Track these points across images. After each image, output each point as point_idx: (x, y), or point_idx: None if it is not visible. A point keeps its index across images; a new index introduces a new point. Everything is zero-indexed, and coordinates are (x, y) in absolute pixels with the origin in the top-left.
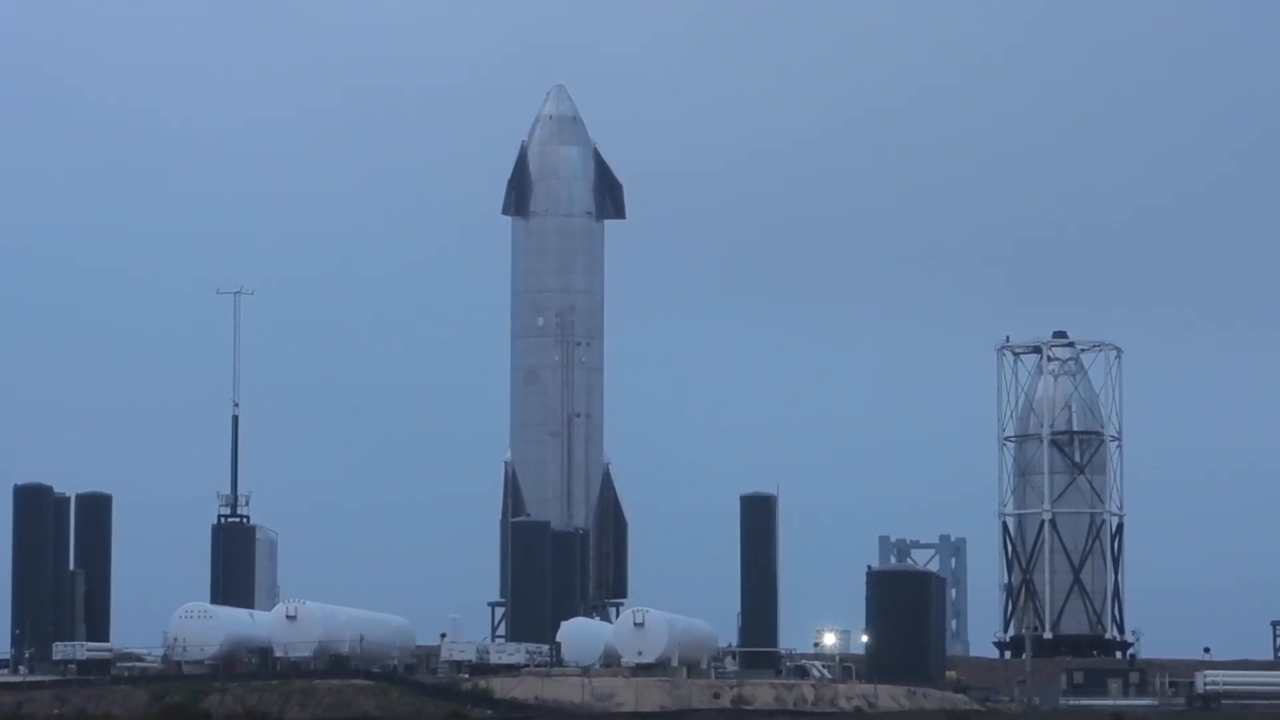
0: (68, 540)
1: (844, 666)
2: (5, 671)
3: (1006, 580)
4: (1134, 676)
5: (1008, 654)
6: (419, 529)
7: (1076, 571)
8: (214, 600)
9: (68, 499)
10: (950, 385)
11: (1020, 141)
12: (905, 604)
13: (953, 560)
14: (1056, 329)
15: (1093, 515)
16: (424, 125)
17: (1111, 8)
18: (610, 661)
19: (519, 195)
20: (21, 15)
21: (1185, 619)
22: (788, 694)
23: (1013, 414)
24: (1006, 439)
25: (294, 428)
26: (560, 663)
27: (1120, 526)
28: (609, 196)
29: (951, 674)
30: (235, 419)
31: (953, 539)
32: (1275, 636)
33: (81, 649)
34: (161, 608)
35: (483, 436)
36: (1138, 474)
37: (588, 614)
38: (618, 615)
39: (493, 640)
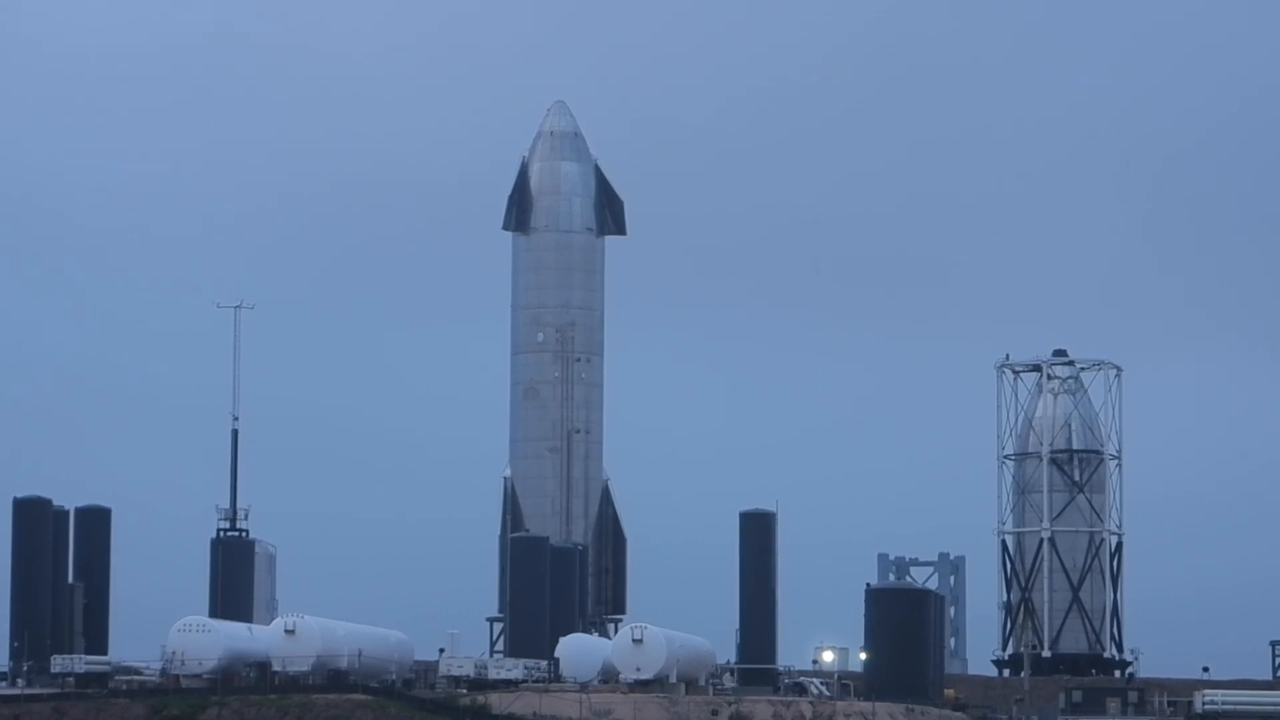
0: (67, 553)
1: (842, 684)
2: (3, 684)
3: (1005, 598)
4: (1133, 696)
5: (1006, 672)
6: (418, 543)
7: (1075, 590)
8: (212, 614)
9: (67, 512)
10: (950, 403)
11: (1021, 156)
12: (904, 621)
13: (951, 578)
14: (1056, 347)
15: (1092, 534)
16: (424, 140)
17: (1117, 18)
18: (608, 677)
19: (519, 211)
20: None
21: (1184, 638)
22: (786, 711)
23: (1012, 432)
24: (1006, 457)
25: (293, 442)
26: (558, 678)
27: (1119, 545)
28: (609, 212)
29: (950, 692)
30: (235, 433)
31: (952, 557)
32: (1274, 656)
33: (80, 662)
34: (160, 621)
35: (482, 452)
36: (1137, 493)
37: (586, 630)
38: (616, 631)
39: (491, 655)
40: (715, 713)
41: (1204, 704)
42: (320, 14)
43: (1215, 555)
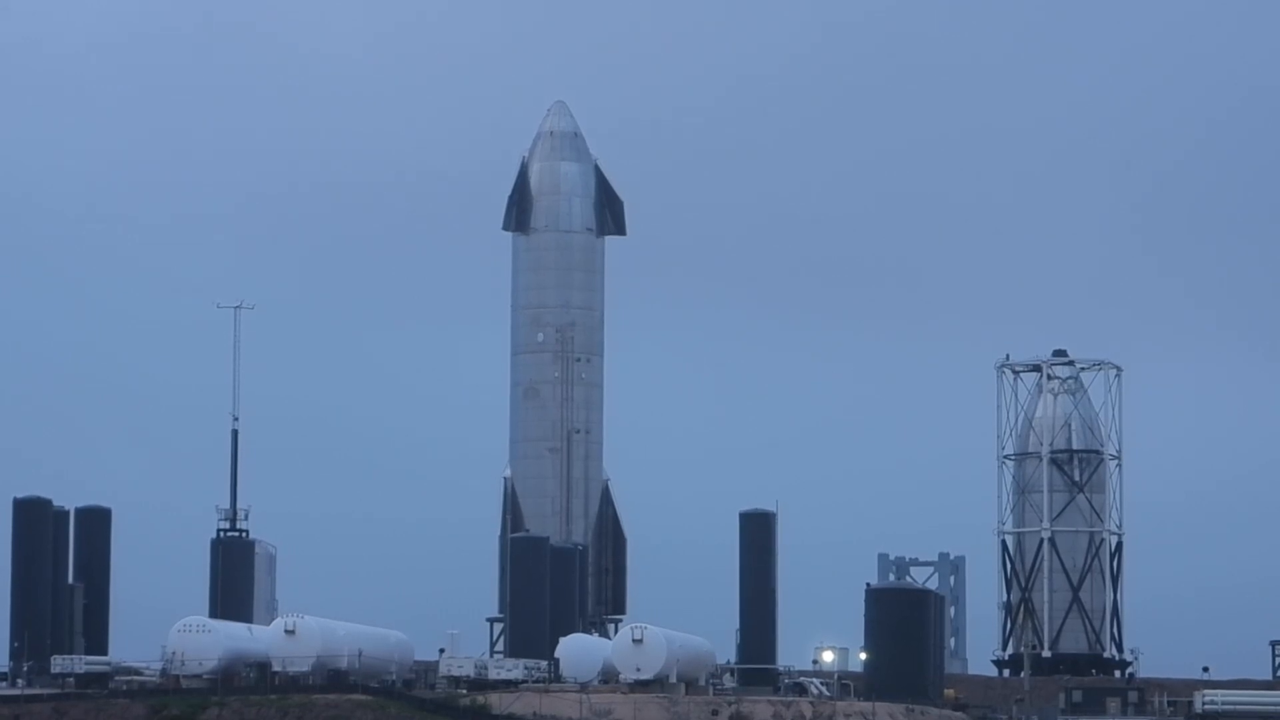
0: (67, 553)
1: (842, 684)
2: (3, 685)
3: (1005, 598)
4: (1133, 696)
5: (1006, 672)
6: (418, 544)
7: (1075, 590)
8: (212, 614)
9: (67, 512)
10: (950, 403)
11: (1021, 156)
12: (904, 621)
13: (951, 578)
14: (1056, 347)
15: (1092, 534)
16: (424, 139)
17: (1117, 18)
18: (609, 678)
19: (519, 211)
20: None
21: (1184, 638)
22: (786, 711)
23: (1012, 432)
24: (1006, 457)
25: (293, 442)
26: (558, 678)
27: (1119, 545)
28: (609, 212)
29: (950, 692)
30: (235, 433)
31: (952, 557)
32: (1274, 656)
33: (80, 662)
34: (160, 621)
35: (482, 452)
36: (1137, 493)
37: (586, 630)
38: (616, 631)
39: (491, 656)
40: (715, 713)
41: (1204, 704)
42: (319, 14)
43: (1215, 555)
